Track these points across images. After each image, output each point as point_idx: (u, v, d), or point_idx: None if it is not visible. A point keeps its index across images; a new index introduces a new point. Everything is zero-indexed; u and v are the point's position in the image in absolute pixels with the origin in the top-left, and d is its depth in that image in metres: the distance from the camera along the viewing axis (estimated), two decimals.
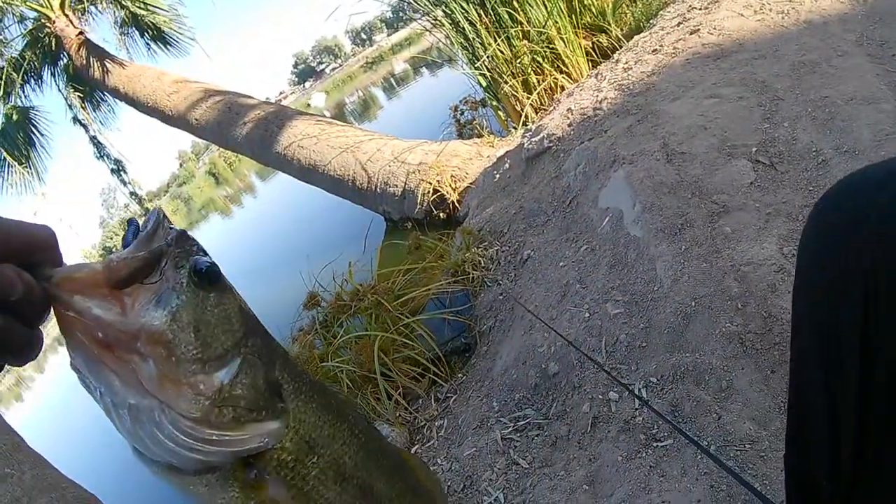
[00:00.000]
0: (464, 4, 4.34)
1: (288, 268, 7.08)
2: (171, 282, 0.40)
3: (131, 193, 8.23)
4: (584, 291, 2.24)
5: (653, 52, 3.42)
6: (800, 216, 1.84)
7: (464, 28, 4.39)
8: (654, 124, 2.59)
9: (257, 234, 12.72)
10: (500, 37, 4.33)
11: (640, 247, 2.11)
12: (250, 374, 0.43)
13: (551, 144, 3.21)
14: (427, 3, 4.54)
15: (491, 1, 4.35)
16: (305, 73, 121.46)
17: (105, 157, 7.87)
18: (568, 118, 3.32)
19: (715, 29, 3.26)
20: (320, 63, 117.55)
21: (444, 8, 4.50)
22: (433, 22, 4.68)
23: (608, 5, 4.93)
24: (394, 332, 2.52)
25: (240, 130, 5.21)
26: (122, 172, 8.08)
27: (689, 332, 1.81)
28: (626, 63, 3.55)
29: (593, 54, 4.70)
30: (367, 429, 0.54)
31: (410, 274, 2.84)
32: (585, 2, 4.94)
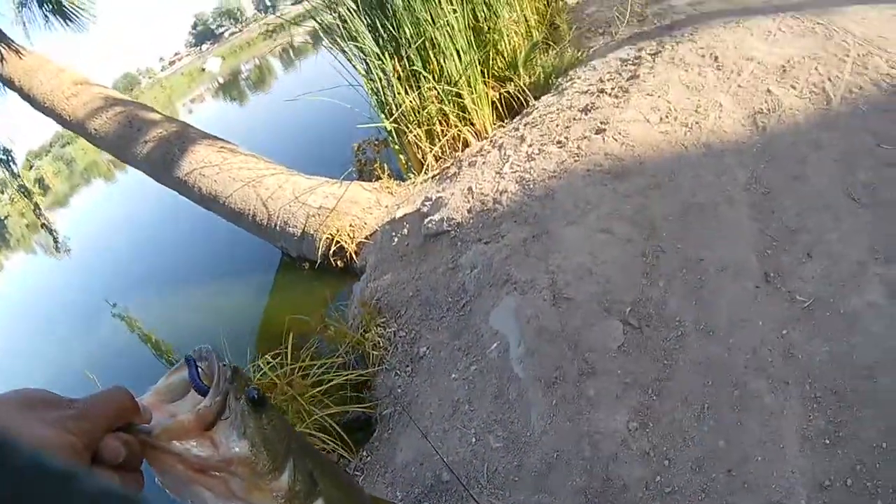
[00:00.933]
0: (378, 53, 4.31)
1: (183, 275, 6.86)
2: (238, 414, 0.52)
3: (20, 187, 7.50)
4: (472, 414, 2.49)
5: (557, 143, 3.60)
6: (650, 389, 2.16)
7: (377, 76, 4.37)
8: (548, 249, 2.82)
9: (139, 211, 11.83)
10: (413, 90, 4.36)
11: (521, 389, 2.37)
12: (300, 469, 0.56)
13: (450, 229, 3.38)
14: (339, 39, 4.45)
15: (406, 49, 4.35)
16: (204, 35, 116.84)
17: None
18: (468, 202, 3.49)
19: (619, 134, 3.45)
20: (220, 26, 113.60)
21: (355, 46, 4.43)
22: (344, 51, 4.57)
23: (520, 54, 5.08)
24: (308, 424, 2.68)
25: (140, 149, 4.95)
26: (10, 164, 7.35)
27: (550, 478, 2.11)
28: (531, 146, 3.74)
29: (499, 105, 4.85)
30: (353, 483, 0.81)
31: (321, 366, 2.98)
32: (499, 49, 5.07)
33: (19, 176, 7.65)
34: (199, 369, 0.53)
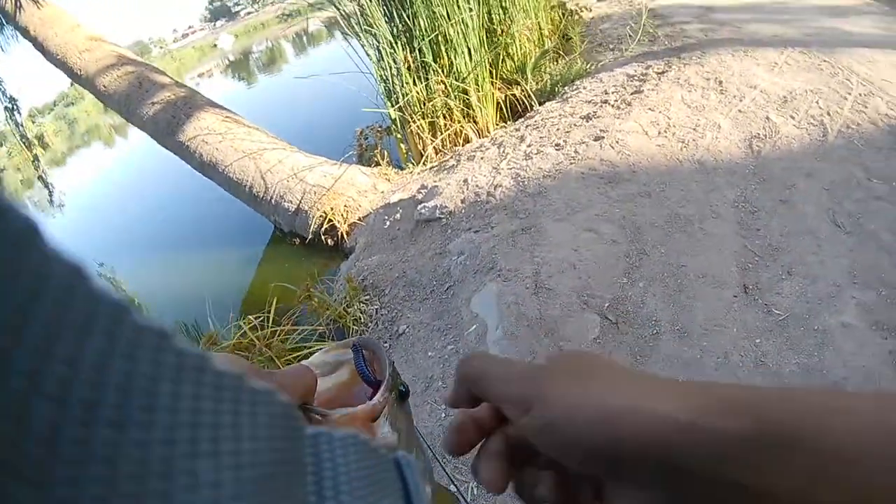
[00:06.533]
0: (391, 41, 4.36)
1: (173, 240, 6.83)
2: (391, 406, 0.54)
3: (22, 137, 7.42)
4: (444, 391, 2.52)
5: (556, 146, 3.66)
6: None
7: (388, 64, 4.41)
8: (535, 241, 2.86)
9: (137, 176, 11.65)
10: (421, 82, 4.41)
11: None
12: (416, 446, 0.59)
13: (442, 216, 3.42)
14: (355, 25, 4.49)
15: (419, 41, 4.40)
16: (220, 12, 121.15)
17: (1, 94, 7.04)
18: (462, 192, 3.52)
19: (617, 143, 3.51)
20: (237, 4, 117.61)
21: (370, 34, 4.47)
22: (360, 38, 4.62)
23: (530, 60, 5.15)
24: None
25: (146, 110, 4.95)
26: (15, 112, 7.26)
27: None
28: (529, 146, 3.80)
29: (503, 107, 4.91)
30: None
31: (300, 333, 3.00)
32: (510, 52, 5.14)
33: (22, 125, 7.54)
34: (364, 358, 0.55)
